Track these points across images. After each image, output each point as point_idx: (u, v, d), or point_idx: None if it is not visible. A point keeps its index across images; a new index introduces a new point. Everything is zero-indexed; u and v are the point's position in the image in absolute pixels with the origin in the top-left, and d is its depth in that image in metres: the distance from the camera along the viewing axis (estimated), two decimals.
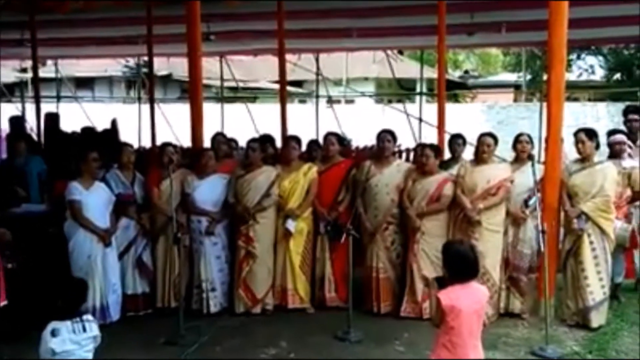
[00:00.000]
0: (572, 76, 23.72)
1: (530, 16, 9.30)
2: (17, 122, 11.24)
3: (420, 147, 6.57)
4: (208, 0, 7.71)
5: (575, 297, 5.88)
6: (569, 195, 5.92)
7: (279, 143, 7.61)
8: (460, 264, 3.64)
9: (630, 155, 6.63)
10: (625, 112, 7.74)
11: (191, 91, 7.04)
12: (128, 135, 11.94)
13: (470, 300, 3.59)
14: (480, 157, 6.13)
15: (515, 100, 23.97)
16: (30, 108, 13.35)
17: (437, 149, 6.39)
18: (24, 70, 19.01)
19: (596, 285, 5.77)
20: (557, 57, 5.96)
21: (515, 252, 6.10)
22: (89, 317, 3.98)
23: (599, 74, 24.84)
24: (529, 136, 6.32)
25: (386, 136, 6.37)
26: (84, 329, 3.84)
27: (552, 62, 6.00)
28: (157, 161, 6.48)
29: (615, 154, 6.55)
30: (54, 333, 3.73)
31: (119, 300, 6.02)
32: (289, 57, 11.84)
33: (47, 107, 12.91)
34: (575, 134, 5.96)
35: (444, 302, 3.55)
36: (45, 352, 3.74)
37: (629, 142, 6.77)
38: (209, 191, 6.27)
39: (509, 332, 5.81)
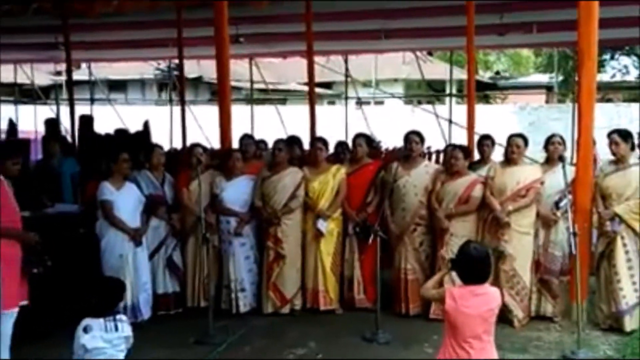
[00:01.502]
0: (605, 77, 23.31)
1: (562, 16, 9.18)
2: (52, 125, 11.46)
3: (450, 149, 6.54)
4: (237, 3, 7.80)
5: (608, 301, 5.79)
6: (602, 197, 5.83)
7: (306, 144, 7.62)
8: (469, 267, 3.62)
9: None
10: None
11: (220, 93, 7.10)
12: (160, 136, 12.09)
13: (476, 304, 3.56)
14: (510, 158, 6.08)
15: (547, 101, 23.67)
16: (64, 110, 13.58)
17: (466, 151, 6.35)
18: (58, 73, 19.35)
19: (629, 289, 5.68)
20: (587, 56, 5.86)
21: (547, 254, 6.02)
22: (123, 317, 4.02)
23: (633, 74, 24.36)
24: (561, 137, 6.24)
25: (414, 137, 6.35)
26: (116, 329, 3.88)
27: (582, 61, 5.91)
28: (186, 162, 6.55)
29: None
30: (86, 329, 3.79)
31: (150, 300, 6.09)
32: (317, 58, 11.87)
33: (81, 110, 13.15)
34: (609, 135, 5.87)
35: (448, 299, 3.58)
36: (77, 347, 3.81)
37: None
38: (237, 192, 6.32)
39: (541, 336, 5.74)
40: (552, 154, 6.12)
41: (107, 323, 3.84)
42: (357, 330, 5.77)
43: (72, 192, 7.73)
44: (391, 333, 5.67)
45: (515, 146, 6.07)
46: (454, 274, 3.89)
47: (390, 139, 11.98)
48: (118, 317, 3.92)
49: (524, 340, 5.59)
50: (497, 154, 6.72)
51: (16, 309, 4.65)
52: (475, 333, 3.58)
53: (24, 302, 4.79)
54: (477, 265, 3.64)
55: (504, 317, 5.81)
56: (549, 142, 6.19)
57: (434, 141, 11.43)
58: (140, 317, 5.91)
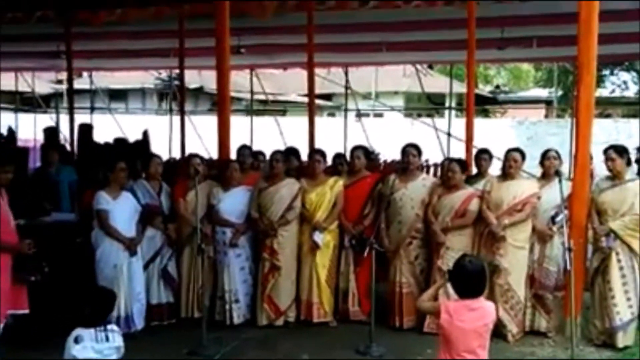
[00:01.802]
0: (605, 92, 23.38)
1: (562, 31, 9.22)
2: (51, 133, 11.48)
3: (446, 162, 6.55)
4: (239, 14, 7.84)
5: (602, 317, 5.78)
6: (598, 212, 5.83)
7: (304, 156, 7.63)
8: (464, 281, 3.65)
9: None
10: None
11: (219, 103, 7.14)
12: (159, 146, 12.10)
13: (471, 319, 3.59)
14: (507, 173, 6.09)
15: (546, 116, 23.72)
16: (64, 119, 13.62)
17: (463, 164, 6.35)
18: (59, 81, 19.42)
19: (623, 305, 5.67)
20: (586, 71, 5.87)
21: (542, 269, 6.02)
22: (114, 327, 4.01)
23: (633, 90, 24.44)
24: (557, 152, 6.25)
25: (411, 150, 6.35)
26: (107, 339, 3.85)
27: (581, 76, 5.92)
28: (184, 172, 6.55)
29: None
30: (77, 340, 3.77)
31: (144, 310, 6.07)
32: (318, 70, 11.90)
33: (81, 118, 13.16)
34: (605, 151, 5.88)
35: (443, 313, 3.61)
36: (68, 358, 3.79)
37: None
38: (233, 203, 6.32)
39: (534, 351, 5.74)
40: (548, 169, 6.12)
41: (98, 333, 3.82)
42: (350, 343, 5.76)
43: (70, 200, 7.74)
44: (385, 346, 5.66)
45: (513, 160, 6.08)
46: (449, 287, 3.90)
47: (390, 152, 11.99)
48: (109, 327, 3.90)
49: (517, 355, 5.59)
50: (495, 168, 6.74)
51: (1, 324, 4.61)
52: (470, 347, 3.60)
53: (24, 311, 4.77)
54: (473, 280, 3.66)
55: (498, 331, 5.78)
56: (544, 157, 6.19)
57: (433, 154, 11.45)
58: (134, 327, 5.89)
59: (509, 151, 6.20)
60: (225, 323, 6.24)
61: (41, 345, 5.30)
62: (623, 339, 5.69)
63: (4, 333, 4.69)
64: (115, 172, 5.91)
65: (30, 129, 16.25)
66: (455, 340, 3.58)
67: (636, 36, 9.60)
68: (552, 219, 5.98)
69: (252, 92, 16.97)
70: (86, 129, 11.40)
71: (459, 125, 12.54)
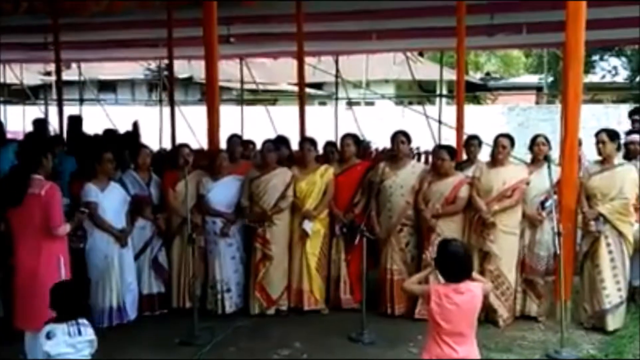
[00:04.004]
0: (595, 78, 23.45)
1: (551, 17, 9.20)
2: (40, 125, 11.38)
3: (436, 149, 6.56)
4: (228, 3, 7.79)
5: (591, 300, 5.83)
6: (587, 196, 5.86)
7: (295, 145, 7.61)
8: (452, 265, 3.68)
9: None
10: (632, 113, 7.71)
11: (208, 93, 7.08)
12: (150, 137, 12.04)
13: (460, 302, 3.62)
14: (496, 159, 6.10)
15: (537, 102, 23.78)
16: (53, 111, 13.52)
17: (452, 151, 6.35)
18: (48, 73, 19.30)
19: (613, 289, 5.71)
20: (574, 57, 5.88)
21: (532, 254, 6.06)
22: (85, 321, 3.86)
23: (623, 76, 24.52)
24: (545, 137, 6.27)
25: (400, 137, 6.36)
26: (80, 332, 3.76)
27: (569, 62, 5.93)
28: (173, 162, 6.53)
29: (630, 154, 6.48)
30: (48, 335, 3.65)
31: (135, 300, 6.07)
32: (308, 59, 11.84)
33: (70, 110, 13.07)
34: (597, 134, 5.91)
35: (433, 296, 3.64)
36: (40, 354, 3.68)
37: None
38: (223, 193, 6.31)
39: (525, 335, 5.77)
40: (537, 154, 6.16)
41: (70, 327, 3.69)
42: (342, 330, 5.78)
43: None
44: (377, 333, 5.69)
45: (501, 146, 6.09)
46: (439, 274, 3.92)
47: (381, 140, 11.98)
48: (81, 320, 3.79)
49: (508, 339, 5.62)
50: (485, 154, 6.75)
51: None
52: (458, 329, 3.65)
53: None
54: (456, 263, 3.70)
55: (489, 317, 5.87)
56: (533, 142, 6.23)
57: (424, 142, 11.45)
58: (126, 317, 5.90)
59: (497, 137, 6.21)
60: (217, 312, 6.25)
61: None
62: (612, 322, 5.74)
63: None
64: (103, 163, 5.86)
65: (19, 121, 16.16)
66: (445, 323, 3.62)
67: (626, 21, 9.59)
68: (542, 204, 6.02)
69: (242, 82, 16.89)
70: (75, 121, 11.31)
71: (450, 112, 12.53)
